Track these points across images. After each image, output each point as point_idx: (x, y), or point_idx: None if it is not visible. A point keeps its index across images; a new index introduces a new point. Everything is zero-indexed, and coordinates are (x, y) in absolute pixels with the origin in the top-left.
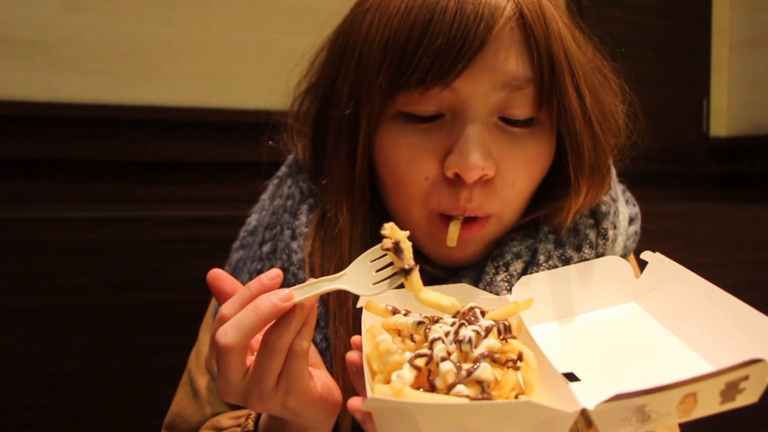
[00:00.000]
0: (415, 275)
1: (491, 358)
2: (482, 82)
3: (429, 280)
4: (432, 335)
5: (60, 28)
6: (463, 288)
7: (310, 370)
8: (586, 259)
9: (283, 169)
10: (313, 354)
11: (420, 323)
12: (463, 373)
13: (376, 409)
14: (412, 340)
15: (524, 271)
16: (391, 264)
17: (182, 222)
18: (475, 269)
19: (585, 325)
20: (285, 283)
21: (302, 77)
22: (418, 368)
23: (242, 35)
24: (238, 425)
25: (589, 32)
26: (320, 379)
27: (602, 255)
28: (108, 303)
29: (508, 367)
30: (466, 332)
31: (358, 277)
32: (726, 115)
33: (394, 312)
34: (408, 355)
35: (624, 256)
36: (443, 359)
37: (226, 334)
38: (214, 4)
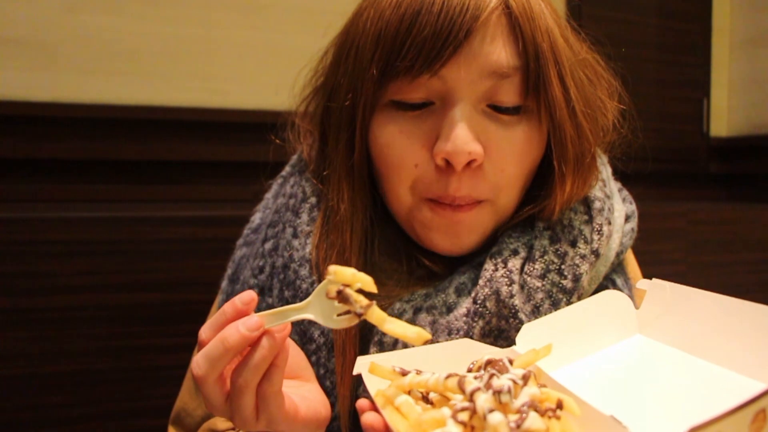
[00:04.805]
0: (374, 312)
1: (534, 407)
2: (469, 69)
3: (428, 275)
4: (469, 387)
5: (60, 28)
6: (465, 343)
7: (296, 388)
8: (582, 255)
9: (287, 168)
10: (301, 363)
11: (449, 377)
12: (512, 425)
13: None
14: (427, 401)
15: (522, 267)
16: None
17: (182, 222)
18: (472, 266)
19: (597, 365)
20: (286, 279)
21: (308, 80)
22: (463, 423)
23: (242, 35)
24: (232, 428)
25: (584, 32)
26: (306, 399)
27: (597, 251)
28: (108, 303)
29: (549, 417)
30: (503, 382)
31: (323, 306)
32: (726, 114)
33: (404, 373)
34: (446, 411)
35: (620, 253)
36: (491, 411)
37: (199, 366)
38: (215, 3)
